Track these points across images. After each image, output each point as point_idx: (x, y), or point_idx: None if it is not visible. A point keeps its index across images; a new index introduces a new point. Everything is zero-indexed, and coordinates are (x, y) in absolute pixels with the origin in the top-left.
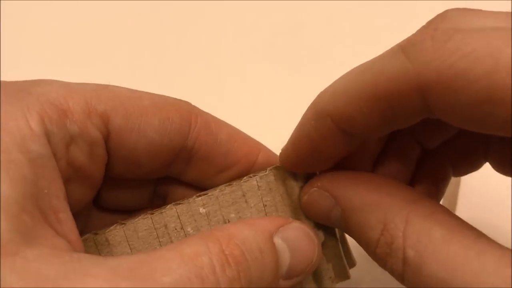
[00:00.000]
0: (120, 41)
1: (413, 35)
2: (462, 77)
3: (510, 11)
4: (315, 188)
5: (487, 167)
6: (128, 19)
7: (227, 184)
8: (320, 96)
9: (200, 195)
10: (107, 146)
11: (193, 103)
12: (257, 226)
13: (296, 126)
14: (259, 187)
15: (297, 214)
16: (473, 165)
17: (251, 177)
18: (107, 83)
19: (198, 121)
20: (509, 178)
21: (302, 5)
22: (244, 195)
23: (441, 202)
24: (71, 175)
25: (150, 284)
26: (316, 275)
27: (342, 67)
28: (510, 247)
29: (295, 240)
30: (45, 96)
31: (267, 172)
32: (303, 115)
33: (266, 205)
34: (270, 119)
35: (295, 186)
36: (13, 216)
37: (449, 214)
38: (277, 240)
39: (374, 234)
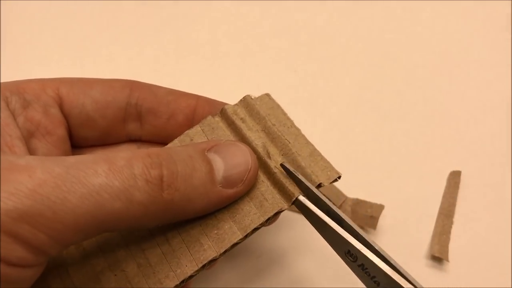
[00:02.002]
0: (120, 41)
1: None
2: None
3: (510, 11)
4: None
5: (487, 167)
6: (128, 19)
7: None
8: None
9: None
10: (62, 110)
11: None
12: (191, 145)
13: None
14: (203, 130)
15: (248, 144)
16: None
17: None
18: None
19: (138, 86)
20: (509, 178)
21: (302, 5)
22: (192, 139)
23: (440, 202)
24: (33, 130)
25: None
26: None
27: (342, 67)
28: (510, 247)
29: (227, 150)
30: (8, 82)
31: (208, 117)
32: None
33: None
34: None
35: (239, 123)
36: None
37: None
38: (209, 153)
39: None
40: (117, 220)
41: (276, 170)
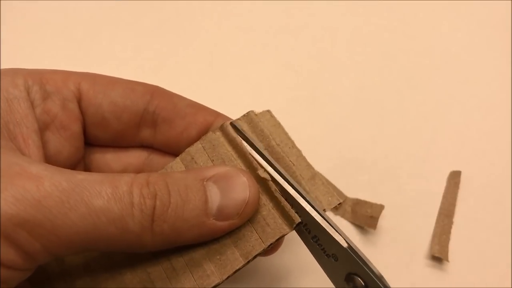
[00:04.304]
0: (121, 40)
1: None
2: None
3: (510, 11)
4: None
5: (487, 167)
6: (128, 19)
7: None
8: None
9: (161, 171)
10: (80, 106)
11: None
12: (191, 171)
13: None
14: (204, 148)
15: (249, 163)
16: None
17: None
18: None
19: (160, 93)
20: (509, 178)
21: (302, 5)
22: (193, 158)
23: (440, 202)
24: (48, 122)
25: (73, 184)
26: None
27: (342, 67)
28: (510, 247)
29: (226, 181)
30: (34, 70)
31: (208, 133)
32: None
33: (213, 160)
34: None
35: (239, 140)
36: None
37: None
38: (208, 182)
39: None
40: (109, 243)
41: (277, 194)
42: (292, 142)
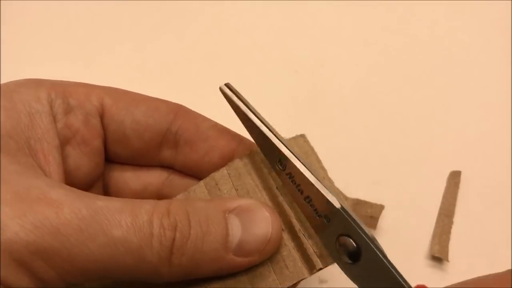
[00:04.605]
0: (120, 40)
1: None
2: None
3: (510, 11)
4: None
5: (487, 167)
6: (128, 19)
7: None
8: None
9: (182, 193)
10: (102, 121)
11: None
12: (214, 201)
13: None
14: (229, 175)
15: (274, 197)
16: None
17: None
18: (108, 84)
19: (184, 113)
20: (509, 178)
21: (302, 5)
22: (217, 184)
23: (440, 202)
24: (69, 136)
25: (95, 213)
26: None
27: (342, 67)
28: (510, 247)
29: (248, 216)
30: (57, 82)
31: (235, 160)
32: None
33: (237, 189)
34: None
35: (267, 171)
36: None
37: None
38: (230, 215)
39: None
40: (125, 273)
41: (300, 234)
42: (325, 172)
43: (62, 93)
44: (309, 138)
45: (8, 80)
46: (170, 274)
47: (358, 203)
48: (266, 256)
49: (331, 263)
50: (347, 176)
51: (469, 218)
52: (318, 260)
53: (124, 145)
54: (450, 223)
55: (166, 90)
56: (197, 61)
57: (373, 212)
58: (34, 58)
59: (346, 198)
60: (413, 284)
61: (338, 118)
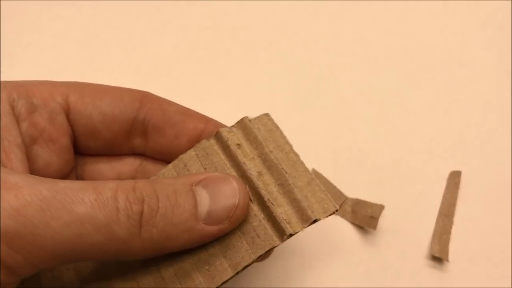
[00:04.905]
0: (120, 40)
1: None
2: None
3: (510, 11)
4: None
5: (487, 167)
6: (127, 18)
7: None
8: None
9: (152, 177)
10: (68, 118)
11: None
12: (179, 178)
13: None
14: (197, 155)
15: (243, 172)
16: None
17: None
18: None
19: (149, 100)
20: (509, 178)
21: (303, 5)
22: (185, 165)
23: (440, 202)
24: (36, 136)
25: (56, 194)
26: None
27: (342, 67)
28: (510, 247)
29: (215, 185)
30: (19, 82)
31: (202, 141)
32: None
33: (206, 168)
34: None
35: (234, 148)
36: None
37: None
38: (197, 187)
39: None
40: (95, 252)
41: (269, 204)
42: (290, 146)
43: (24, 93)
44: (309, 137)
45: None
46: (142, 249)
47: (358, 203)
48: (236, 223)
49: (301, 229)
50: (347, 176)
51: (469, 218)
52: (288, 226)
53: (94, 138)
54: (450, 223)
55: (166, 90)
56: (196, 61)
57: (373, 212)
58: (34, 58)
59: (346, 198)
60: (413, 284)
61: (338, 118)
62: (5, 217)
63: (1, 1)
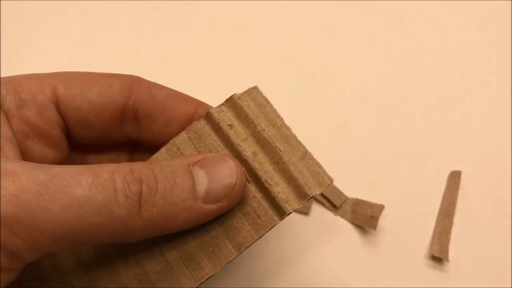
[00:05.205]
0: (120, 38)
1: None
2: None
3: (510, 11)
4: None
5: (487, 167)
6: (127, 16)
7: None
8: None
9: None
10: (58, 110)
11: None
12: (177, 159)
13: None
14: (189, 138)
15: (238, 153)
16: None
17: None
18: None
19: (138, 85)
20: (509, 178)
21: (302, 5)
22: (179, 149)
23: (440, 202)
24: (27, 131)
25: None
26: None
27: (342, 66)
28: (510, 247)
29: (212, 165)
30: (7, 78)
31: (194, 123)
32: None
33: (200, 151)
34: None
35: (226, 129)
36: None
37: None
38: (194, 167)
39: None
40: (95, 233)
41: (267, 185)
42: (281, 120)
43: (13, 88)
44: (309, 137)
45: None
46: (143, 228)
47: (358, 203)
48: (235, 201)
49: (298, 206)
50: (347, 176)
51: (469, 218)
52: (287, 205)
53: (87, 128)
54: (450, 223)
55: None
56: (196, 59)
57: (373, 212)
58: (34, 59)
59: (346, 198)
60: (413, 284)
61: (338, 118)
62: (4, 203)
63: (1, 1)
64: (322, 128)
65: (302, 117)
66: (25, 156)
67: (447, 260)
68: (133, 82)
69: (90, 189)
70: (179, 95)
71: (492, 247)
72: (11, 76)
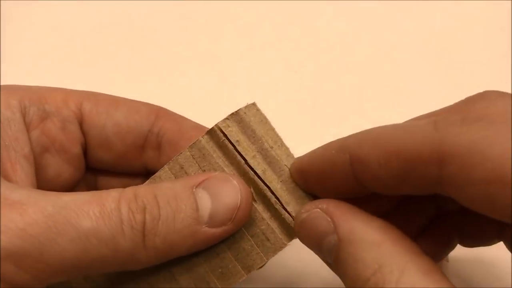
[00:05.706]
0: (120, 40)
1: (448, 113)
2: (479, 154)
3: (510, 11)
4: (317, 209)
5: None
6: (127, 17)
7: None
8: (351, 135)
9: (148, 180)
10: (81, 127)
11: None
12: (180, 180)
13: (320, 146)
14: (192, 156)
15: (244, 172)
16: (483, 241)
17: None
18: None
19: (164, 114)
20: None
21: (302, 6)
22: (182, 167)
23: None
24: (47, 144)
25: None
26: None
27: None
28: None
29: (216, 187)
30: (32, 88)
31: (197, 140)
32: (331, 142)
33: (205, 170)
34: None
35: (232, 147)
36: None
37: (443, 277)
38: (198, 189)
39: (366, 272)
40: (102, 265)
41: (277, 206)
42: (281, 139)
43: (37, 100)
44: (309, 137)
45: (8, 83)
46: (147, 258)
47: None
48: (240, 224)
49: None
50: None
51: None
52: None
53: (107, 149)
54: None
55: (166, 90)
56: (196, 60)
57: None
58: (34, 59)
59: None
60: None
61: (338, 118)
62: (13, 237)
63: (1, 1)
64: (323, 128)
65: (302, 117)
66: (40, 171)
67: (447, 260)
68: (160, 110)
69: (97, 221)
70: (204, 128)
71: (492, 247)
72: (35, 86)
